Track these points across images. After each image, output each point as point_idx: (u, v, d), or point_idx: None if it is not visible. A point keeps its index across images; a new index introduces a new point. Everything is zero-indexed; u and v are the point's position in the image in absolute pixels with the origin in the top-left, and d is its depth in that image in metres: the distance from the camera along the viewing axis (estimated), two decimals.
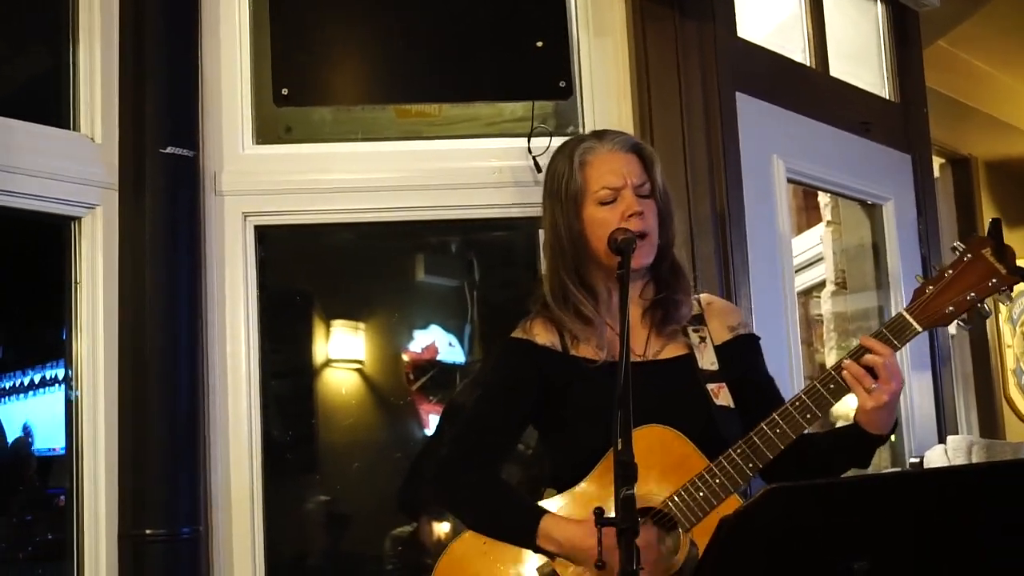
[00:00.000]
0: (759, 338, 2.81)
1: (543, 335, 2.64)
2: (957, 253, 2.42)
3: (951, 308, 2.38)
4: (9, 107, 3.20)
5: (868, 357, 2.38)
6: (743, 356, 2.70)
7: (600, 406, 2.50)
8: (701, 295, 2.75)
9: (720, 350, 2.65)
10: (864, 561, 1.77)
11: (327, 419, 3.93)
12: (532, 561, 2.45)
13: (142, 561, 3.12)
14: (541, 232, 2.75)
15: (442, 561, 2.51)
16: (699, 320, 2.68)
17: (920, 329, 2.40)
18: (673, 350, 2.63)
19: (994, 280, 2.37)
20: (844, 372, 2.39)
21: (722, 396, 2.56)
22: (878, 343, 2.39)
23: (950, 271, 2.40)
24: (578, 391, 2.58)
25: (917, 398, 4.42)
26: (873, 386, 2.37)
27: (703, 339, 2.65)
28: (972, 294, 2.38)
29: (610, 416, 2.39)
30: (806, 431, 2.42)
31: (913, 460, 4.31)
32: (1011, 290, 2.41)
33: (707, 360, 2.62)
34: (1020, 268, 2.38)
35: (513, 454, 2.93)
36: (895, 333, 2.40)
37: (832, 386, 2.40)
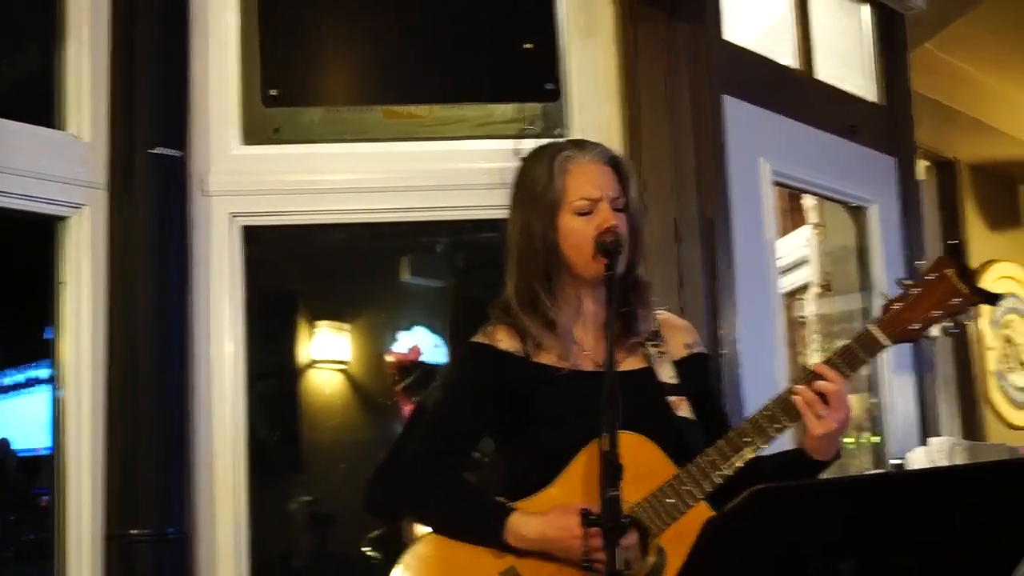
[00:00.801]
0: (711, 357, 2.85)
1: (506, 340, 2.63)
2: (921, 273, 2.46)
3: (917, 324, 2.43)
4: None
5: (819, 384, 2.40)
6: (699, 374, 2.71)
7: (563, 413, 2.51)
8: (657, 312, 2.75)
9: (677, 366, 2.66)
10: (850, 561, 1.78)
11: (312, 419, 3.94)
12: (493, 562, 2.44)
13: (128, 561, 3.12)
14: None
15: (402, 563, 2.46)
16: (656, 336, 2.69)
17: (887, 343, 2.44)
18: (632, 363, 2.63)
19: (958, 300, 2.42)
20: (796, 397, 2.41)
21: (683, 408, 2.57)
22: (829, 370, 2.41)
23: (915, 289, 2.44)
24: (541, 397, 2.57)
25: (899, 400, 4.44)
26: (824, 413, 2.39)
27: (662, 353, 2.66)
28: (937, 312, 2.42)
29: (574, 422, 2.41)
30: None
31: (895, 461, 4.33)
32: (972, 311, 2.46)
33: (666, 374, 2.62)
34: (981, 289, 2.44)
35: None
36: (860, 350, 2.43)
37: (788, 407, 2.43)
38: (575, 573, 2.37)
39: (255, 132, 3.51)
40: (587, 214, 2.55)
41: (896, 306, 2.44)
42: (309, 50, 3.54)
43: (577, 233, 2.55)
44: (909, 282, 2.47)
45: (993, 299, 2.48)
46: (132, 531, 3.11)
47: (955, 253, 2.49)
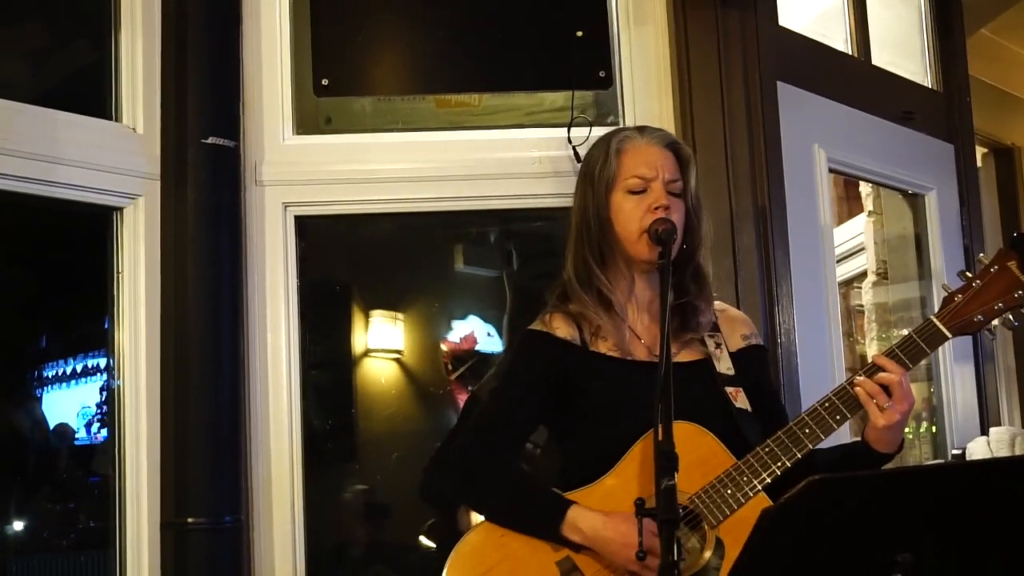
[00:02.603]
0: (768, 349, 2.85)
1: (563, 328, 2.62)
2: (983, 264, 2.44)
3: (980, 317, 2.42)
4: (53, 99, 3.22)
5: (881, 375, 2.38)
6: (755, 365, 2.70)
7: (619, 403, 2.51)
8: (715, 303, 2.73)
9: (734, 357, 2.65)
10: (907, 553, 1.76)
11: (366, 409, 3.93)
12: (549, 553, 2.43)
13: (184, 550, 3.14)
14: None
15: (456, 552, 2.47)
16: (714, 327, 2.67)
17: (950, 336, 2.43)
18: (689, 354, 2.62)
19: (1020, 292, 2.40)
20: (858, 389, 2.39)
21: (740, 399, 2.56)
22: (891, 362, 2.40)
23: (977, 281, 2.42)
24: (597, 387, 2.57)
25: (959, 390, 4.39)
26: (887, 404, 2.37)
27: (719, 345, 2.64)
28: (1000, 304, 2.42)
29: (630, 412, 2.40)
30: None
31: (955, 452, 4.28)
32: None
33: (724, 365, 2.61)
34: None
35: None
36: (922, 341, 2.41)
37: (849, 398, 2.41)
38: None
39: (307, 122, 3.52)
40: (640, 192, 2.55)
41: (958, 298, 2.43)
42: (360, 40, 3.55)
43: (629, 212, 2.55)
44: (971, 274, 2.44)
45: None
46: (188, 519, 3.14)
47: (1018, 245, 2.46)
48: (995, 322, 2.43)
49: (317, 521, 3.44)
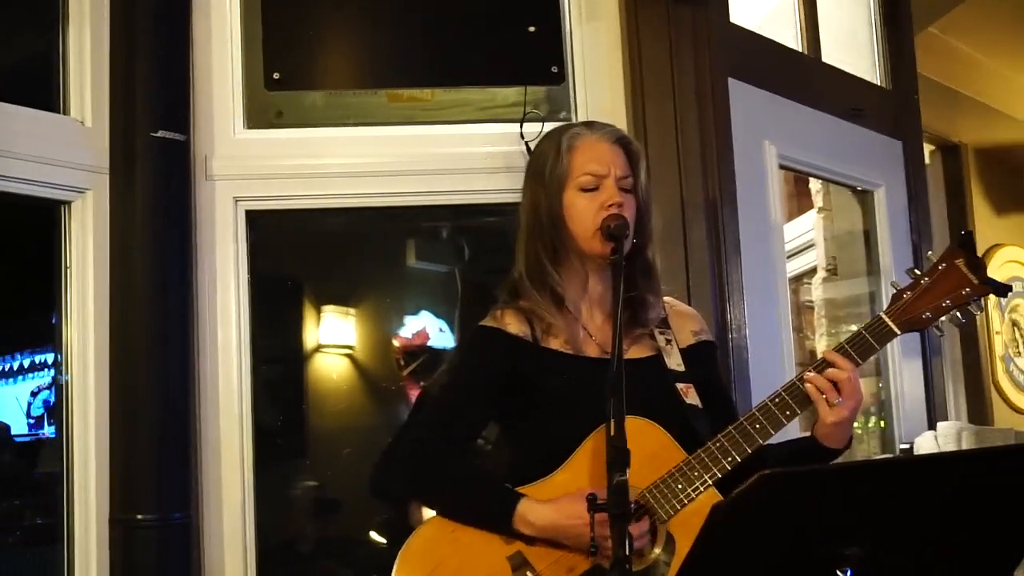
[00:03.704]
0: (718, 345, 2.87)
1: (514, 324, 2.62)
2: (932, 262, 2.47)
3: (928, 314, 2.46)
4: None
5: (831, 371, 2.40)
6: (705, 361, 2.71)
7: (571, 398, 2.51)
8: (665, 298, 2.74)
9: (684, 353, 2.66)
10: (856, 547, 1.78)
11: (318, 404, 3.92)
12: (500, 547, 2.44)
13: (133, 546, 3.12)
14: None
15: (407, 547, 2.46)
16: (664, 323, 2.68)
17: (899, 333, 2.45)
18: (640, 350, 2.63)
19: (967, 289, 2.43)
20: (808, 385, 2.40)
21: (691, 396, 2.57)
22: (841, 358, 2.41)
23: (925, 279, 2.45)
24: (549, 382, 2.57)
25: (907, 385, 4.43)
26: (836, 401, 2.39)
27: (669, 341, 2.65)
28: (947, 301, 2.45)
29: (582, 408, 2.40)
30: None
31: (903, 446, 4.33)
32: (982, 300, 2.49)
33: (674, 361, 2.62)
34: (991, 280, 2.47)
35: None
36: (871, 338, 2.44)
37: (799, 394, 2.42)
38: (581, 559, 2.37)
39: (258, 116, 3.50)
40: (592, 190, 2.56)
41: (907, 295, 2.45)
42: (312, 33, 3.53)
43: (581, 209, 2.55)
44: (919, 272, 2.47)
45: (1003, 290, 2.50)
46: (137, 516, 3.11)
47: (965, 243, 2.49)
48: (943, 319, 2.46)
49: (267, 517, 3.42)
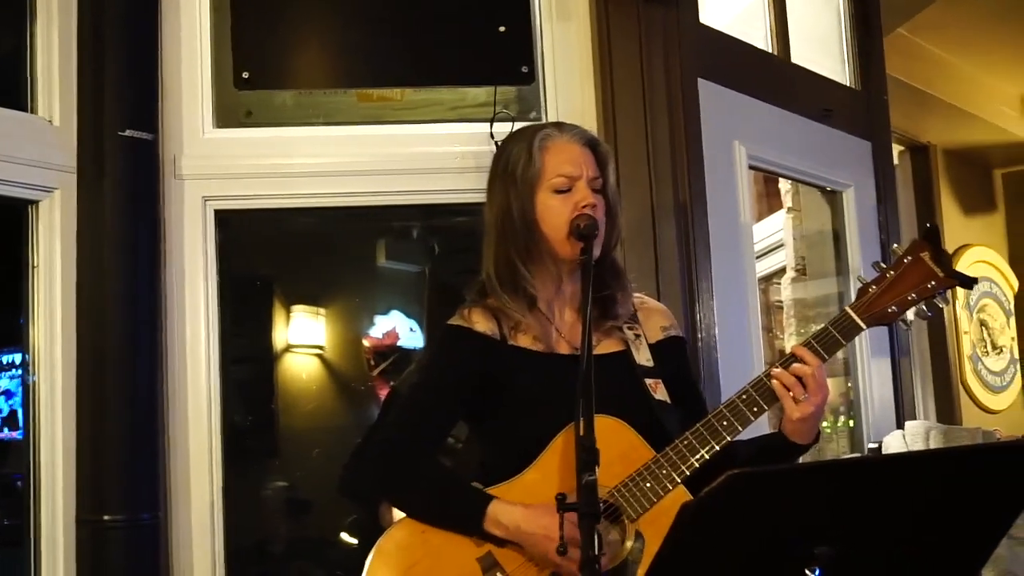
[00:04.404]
0: (687, 341, 2.86)
1: (482, 323, 2.62)
2: (897, 255, 2.47)
3: (894, 308, 2.46)
4: None
5: (797, 367, 2.41)
6: (674, 357, 2.71)
7: (540, 397, 2.51)
8: (635, 294, 2.75)
9: (653, 349, 2.66)
10: (825, 546, 1.78)
11: (287, 405, 3.92)
12: (471, 549, 2.43)
13: (101, 547, 3.10)
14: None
15: (378, 549, 2.45)
16: (633, 319, 2.69)
17: (865, 327, 2.46)
18: (609, 346, 2.63)
19: (933, 283, 2.44)
20: (774, 381, 2.41)
21: (660, 391, 2.57)
22: (808, 353, 2.42)
23: (891, 272, 2.46)
24: (518, 381, 2.57)
25: (876, 385, 4.45)
26: (803, 397, 2.40)
27: (638, 336, 2.66)
28: (913, 295, 2.45)
29: (551, 406, 2.40)
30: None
31: (872, 446, 4.34)
32: (948, 293, 2.50)
33: (643, 356, 2.62)
34: (957, 272, 2.47)
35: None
36: (837, 333, 2.45)
37: (766, 391, 2.43)
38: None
39: (227, 115, 3.49)
40: (565, 192, 2.56)
41: (872, 289, 2.46)
42: (281, 32, 3.51)
43: (554, 211, 2.55)
44: (885, 265, 2.48)
45: (968, 282, 2.50)
46: (105, 516, 3.09)
47: (930, 236, 2.50)
48: (909, 313, 2.47)
49: (237, 518, 3.41)
